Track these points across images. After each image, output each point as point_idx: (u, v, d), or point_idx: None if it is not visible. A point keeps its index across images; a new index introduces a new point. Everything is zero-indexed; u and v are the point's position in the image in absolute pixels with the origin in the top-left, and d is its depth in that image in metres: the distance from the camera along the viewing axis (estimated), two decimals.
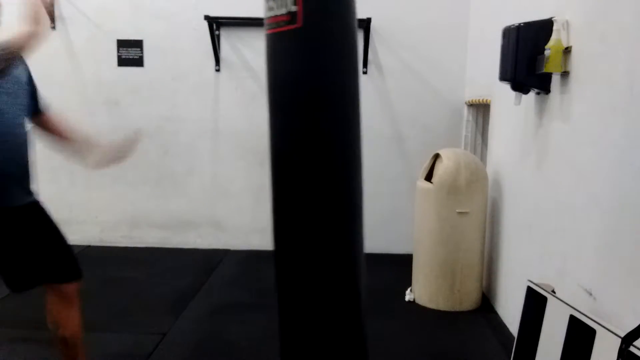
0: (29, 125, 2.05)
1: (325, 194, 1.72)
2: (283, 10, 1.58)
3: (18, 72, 1.96)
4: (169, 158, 4.52)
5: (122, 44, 4.39)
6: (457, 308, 3.26)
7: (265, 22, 1.69)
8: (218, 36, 4.32)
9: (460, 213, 3.17)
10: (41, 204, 2.09)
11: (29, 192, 2.04)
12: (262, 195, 4.54)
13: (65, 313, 2.13)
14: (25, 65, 2.01)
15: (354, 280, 1.77)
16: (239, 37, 4.36)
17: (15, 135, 1.95)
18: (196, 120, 4.46)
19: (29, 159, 2.03)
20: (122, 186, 4.56)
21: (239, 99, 4.42)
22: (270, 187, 1.79)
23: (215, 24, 4.25)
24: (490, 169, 3.47)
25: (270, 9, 1.61)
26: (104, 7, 4.35)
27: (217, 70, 4.39)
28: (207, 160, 4.52)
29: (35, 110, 2.10)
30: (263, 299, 3.42)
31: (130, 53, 4.40)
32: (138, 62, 4.41)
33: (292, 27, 1.60)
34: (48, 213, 2.10)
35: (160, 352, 2.70)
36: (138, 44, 4.39)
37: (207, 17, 4.08)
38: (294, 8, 1.57)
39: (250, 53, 4.35)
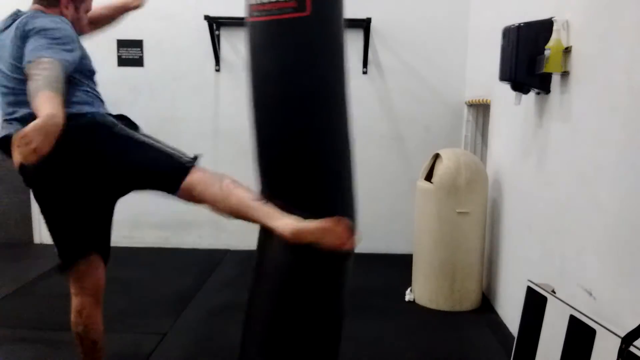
0: None
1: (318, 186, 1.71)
2: None
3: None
4: None
5: (122, 44, 4.39)
6: (457, 308, 3.26)
7: (257, 7, 1.56)
8: (218, 36, 4.32)
9: (460, 213, 3.17)
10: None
11: None
12: None
13: (96, 314, 2.09)
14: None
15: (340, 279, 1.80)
16: (239, 37, 4.35)
17: None
18: (196, 120, 4.46)
19: None
20: None
21: (239, 99, 4.40)
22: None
23: (215, 24, 4.25)
24: (490, 169, 3.47)
25: None
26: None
27: (217, 70, 4.39)
28: (207, 160, 4.45)
29: None
30: None
31: (130, 53, 4.40)
32: (138, 62, 4.41)
33: (299, 14, 1.50)
34: None
35: (160, 352, 2.70)
36: (138, 44, 4.39)
37: (207, 17, 4.08)
38: None
39: None
